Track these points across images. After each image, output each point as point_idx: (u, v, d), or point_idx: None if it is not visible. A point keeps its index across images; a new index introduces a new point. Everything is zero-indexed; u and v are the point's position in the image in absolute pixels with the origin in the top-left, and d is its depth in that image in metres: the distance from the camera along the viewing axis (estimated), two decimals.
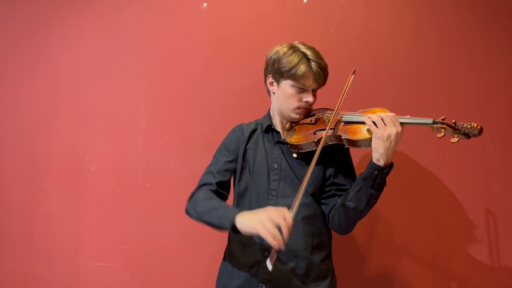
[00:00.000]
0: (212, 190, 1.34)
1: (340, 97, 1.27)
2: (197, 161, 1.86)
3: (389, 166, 1.18)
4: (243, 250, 1.33)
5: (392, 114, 1.16)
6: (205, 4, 1.92)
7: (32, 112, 1.99)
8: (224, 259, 1.43)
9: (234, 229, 1.14)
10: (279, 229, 1.06)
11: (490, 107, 1.76)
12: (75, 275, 1.89)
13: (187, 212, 1.36)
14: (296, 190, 1.29)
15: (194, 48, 1.92)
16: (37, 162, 1.96)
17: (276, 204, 1.30)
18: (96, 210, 1.91)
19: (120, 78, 1.95)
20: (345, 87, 1.28)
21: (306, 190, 1.30)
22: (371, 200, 1.20)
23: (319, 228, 1.32)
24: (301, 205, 1.29)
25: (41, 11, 2.01)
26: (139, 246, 1.87)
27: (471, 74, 1.78)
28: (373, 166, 1.18)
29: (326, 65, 1.33)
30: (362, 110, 1.29)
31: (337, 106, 1.26)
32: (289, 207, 1.21)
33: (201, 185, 1.37)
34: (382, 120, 1.15)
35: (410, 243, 1.75)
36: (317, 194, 1.34)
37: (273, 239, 1.04)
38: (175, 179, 1.88)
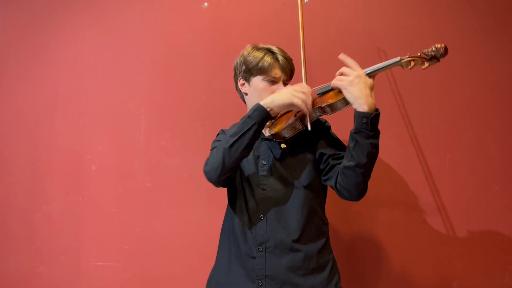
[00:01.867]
0: None
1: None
2: (198, 161, 1.86)
3: (375, 111, 1.17)
4: (237, 247, 1.33)
5: (345, 65, 1.24)
6: (206, 4, 1.92)
7: (33, 112, 1.99)
8: (218, 257, 1.42)
9: (266, 113, 1.24)
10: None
11: (491, 107, 1.75)
12: (76, 274, 1.90)
13: (209, 172, 1.28)
14: (285, 184, 1.32)
15: (195, 48, 1.92)
16: (38, 161, 1.96)
17: (267, 199, 1.32)
18: (97, 210, 1.91)
19: (121, 78, 1.95)
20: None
21: (300, 182, 1.32)
22: (371, 150, 1.17)
23: (312, 219, 1.32)
24: (291, 197, 1.31)
25: (42, 10, 2.02)
26: (140, 246, 1.87)
27: (472, 74, 1.77)
28: (360, 114, 1.16)
29: (290, 58, 1.41)
30: None
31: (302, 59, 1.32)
32: (280, 199, 1.31)
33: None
34: (342, 73, 1.22)
35: (411, 242, 1.75)
36: (312, 184, 1.33)
37: (306, 105, 1.22)
38: (176, 179, 1.88)
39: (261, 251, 1.28)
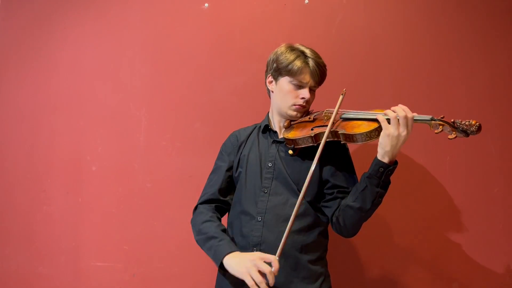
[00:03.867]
0: (214, 205, 1.42)
1: (334, 112, 1.27)
2: (198, 162, 1.86)
3: (393, 164, 1.19)
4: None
5: (404, 114, 1.14)
6: (206, 5, 1.92)
7: (33, 112, 1.99)
8: None
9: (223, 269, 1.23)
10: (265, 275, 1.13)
11: (491, 108, 1.75)
12: (76, 275, 1.90)
13: (192, 227, 1.42)
14: (288, 188, 1.32)
15: (196, 49, 1.92)
16: (38, 162, 1.96)
17: (267, 202, 1.32)
18: (97, 210, 1.91)
19: (121, 79, 1.95)
20: (337, 105, 1.29)
21: (299, 190, 1.31)
22: (377, 199, 1.20)
23: (310, 228, 1.32)
24: (292, 204, 1.30)
25: (43, 11, 2.02)
26: (140, 246, 1.87)
27: (472, 74, 1.77)
28: (378, 163, 1.18)
29: (323, 64, 1.36)
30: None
31: (336, 107, 1.27)
32: (280, 205, 1.29)
33: (204, 200, 1.44)
34: (398, 119, 1.14)
35: (410, 244, 1.75)
36: (314, 197, 1.34)
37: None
38: (176, 180, 1.88)
39: (255, 250, 1.29)
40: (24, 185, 1.96)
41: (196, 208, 1.45)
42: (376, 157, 1.19)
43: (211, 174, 1.49)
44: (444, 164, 1.75)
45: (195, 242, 1.82)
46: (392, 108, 1.17)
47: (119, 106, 1.94)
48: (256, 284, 1.12)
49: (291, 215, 1.28)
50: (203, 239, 1.33)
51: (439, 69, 1.79)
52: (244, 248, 1.31)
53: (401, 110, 1.14)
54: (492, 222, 1.72)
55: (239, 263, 1.18)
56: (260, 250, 1.28)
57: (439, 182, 1.75)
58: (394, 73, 1.81)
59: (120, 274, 1.87)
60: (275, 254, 1.26)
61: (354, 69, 1.82)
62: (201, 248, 1.35)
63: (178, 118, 1.91)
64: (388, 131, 1.14)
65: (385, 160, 1.17)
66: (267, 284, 1.12)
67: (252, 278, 1.13)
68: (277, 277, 1.25)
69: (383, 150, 1.16)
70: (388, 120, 1.16)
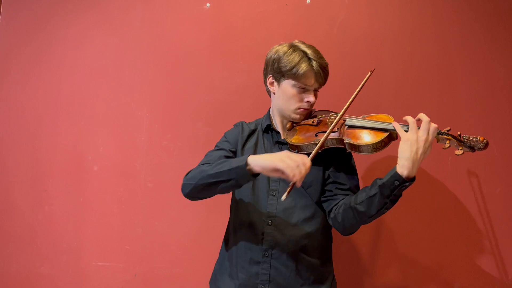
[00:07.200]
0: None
1: (351, 98, 1.24)
2: (199, 161, 1.86)
3: (411, 180, 1.10)
4: (243, 250, 1.32)
5: (428, 119, 1.10)
6: (208, 5, 1.92)
7: (35, 112, 1.99)
8: (221, 258, 1.42)
9: (246, 173, 1.14)
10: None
11: (493, 109, 1.75)
12: (77, 274, 1.90)
13: (183, 186, 1.31)
14: (296, 192, 1.29)
15: (197, 48, 1.92)
16: (40, 162, 1.96)
17: (277, 205, 1.30)
18: (98, 210, 1.91)
19: (123, 79, 1.95)
20: (360, 86, 1.25)
21: (307, 192, 1.30)
22: (383, 209, 1.15)
23: (319, 230, 1.31)
24: (301, 207, 1.29)
25: (45, 11, 2.02)
26: (142, 246, 1.87)
27: (474, 75, 1.77)
28: (395, 175, 1.10)
29: (326, 64, 1.32)
30: (365, 115, 1.27)
31: (344, 108, 1.24)
32: (290, 208, 1.27)
33: (200, 165, 1.34)
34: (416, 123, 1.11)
35: (412, 245, 1.75)
36: (318, 196, 1.32)
37: (292, 171, 1.06)
38: (178, 179, 1.85)
39: (267, 256, 1.27)
40: (26, 184, 1.96)
41: (189, 171, 1.32)
42: (395, 167, 1.11)
43: (209, 152, 1.39)
44: (445, 164, 1.75)
45: (197, 242, 1.84)
46: (405, 117, 1.13)
47: (121, 106, 1.94)
48: (292, 170, 1.06)
49: (301, 218, 1.28)
50: (211, 168, 1.22)
51: (441, 69, 1.79)
52: (255, 252, 1.29)
53: (418, 116, 1.11)
54: (494, 222, 1.71)
55: (271, 156, 1.12)
56: (272, 254, 1.27)
57: (441, 183, 1.75)
58: (396, 74, 1.81)
59: (122, 274, 1.87)
60: (286, 257, 1.26)
61: (356, 69, 1.82)
62: (208, 178, 1.21)
63: (179, 118, 1.91)
64: (406, 135, 1.10)
65: (404, 173, 1.09)
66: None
67: (285, 163, 1.07)
68: (288, 280, 1.26)
69: (402, 158, 1.09)
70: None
